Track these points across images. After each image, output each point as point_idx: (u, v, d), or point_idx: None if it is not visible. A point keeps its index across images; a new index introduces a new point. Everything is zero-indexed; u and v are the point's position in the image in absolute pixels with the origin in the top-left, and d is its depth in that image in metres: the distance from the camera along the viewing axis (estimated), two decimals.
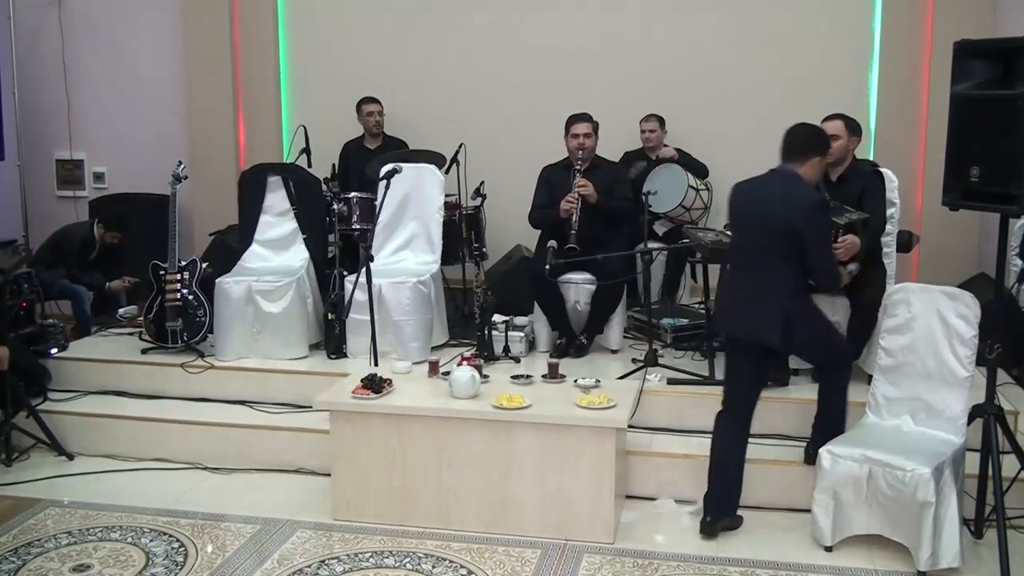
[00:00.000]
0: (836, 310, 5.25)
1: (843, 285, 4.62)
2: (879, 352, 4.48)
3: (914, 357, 4.34)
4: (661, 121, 7.12)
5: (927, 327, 4.30)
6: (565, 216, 5.79)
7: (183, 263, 5.95)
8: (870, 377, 4.65)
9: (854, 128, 5.29)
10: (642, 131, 7.11)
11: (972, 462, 4.19)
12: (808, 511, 4.31)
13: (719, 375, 5.30)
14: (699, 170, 7.05)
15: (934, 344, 4.28)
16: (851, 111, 5.50)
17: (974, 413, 4.13)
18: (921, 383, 4.32)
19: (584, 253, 5.61)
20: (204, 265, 6.05)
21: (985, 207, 4.04)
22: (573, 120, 5.94)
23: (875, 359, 4.54)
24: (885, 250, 5.36)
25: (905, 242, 6.22)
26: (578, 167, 5.87)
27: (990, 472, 4.03)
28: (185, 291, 5.89)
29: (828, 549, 4.18)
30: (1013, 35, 4.07)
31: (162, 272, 5.90)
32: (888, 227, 5.37)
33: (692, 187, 6.79)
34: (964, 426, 4.18)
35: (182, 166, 6.11)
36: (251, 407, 5.55)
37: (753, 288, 4.29)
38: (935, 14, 7.03)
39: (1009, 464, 4.18)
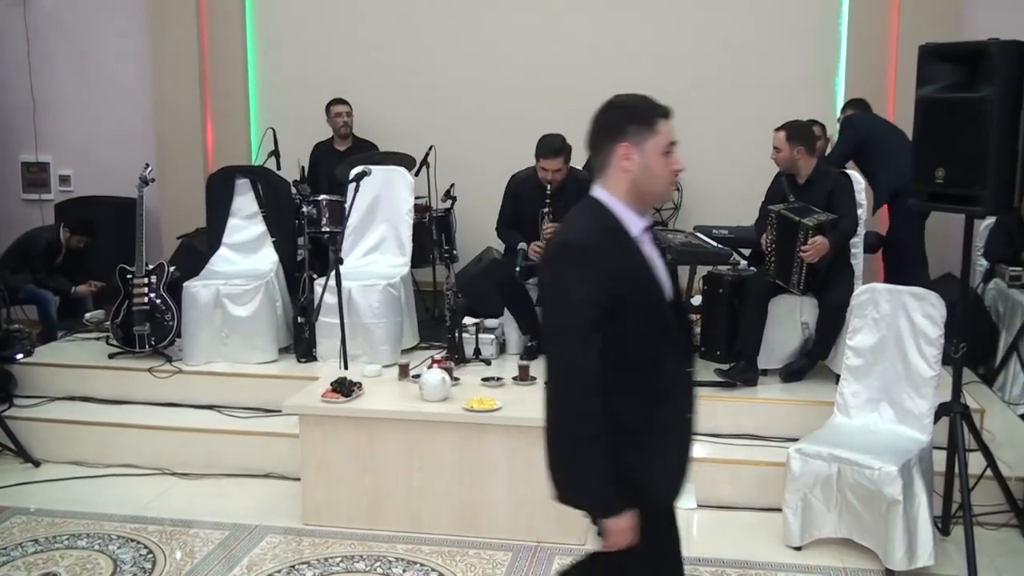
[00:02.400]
0: (804, 310, 5.29)
1: None
2: (847, 352, 4.51)
3: (881, 357, 4.38)
4: None
5: (894, 327, 4.34)
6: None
7: (150, 267, 5.90)
8: (838, 377, 4.68)
9: (796, 137, 5.31)
10: None
11: (939, 460, 4.23)
12: (778, 510, 4.33)
13: None
14: None
15: (901, 344, 4.31)
16: (818, 113, 5.57)
17: (940, 411, 4.18)
18: (888, 382, 4.36)
19: None
20: (172, 269, 6.00)
21: (950, 208, 4.08)
22: (543, 154, 5.61)
23: (843, 359, 4.57)
24: (853, 251, 5.40)
25: (872, 243, 6.29)
26: (548, 209, 5.67)
27: (957, 470, 4.07)
28: (152, 295, 5.84)
29: (797, 549, 4.21)
30: (979, 36, 4.12)
31: (129, 276, 5.84)
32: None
33: None
34: (931, 424, 4.21)
35: (149, 169, 6.05)
36: (220, 412, 5.50)
37: None
38: (901, 16, 7.10)
39: (975, 461, 4.23)
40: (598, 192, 2.51)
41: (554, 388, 2.43)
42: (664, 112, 2.49)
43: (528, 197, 5.83)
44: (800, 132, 5.33)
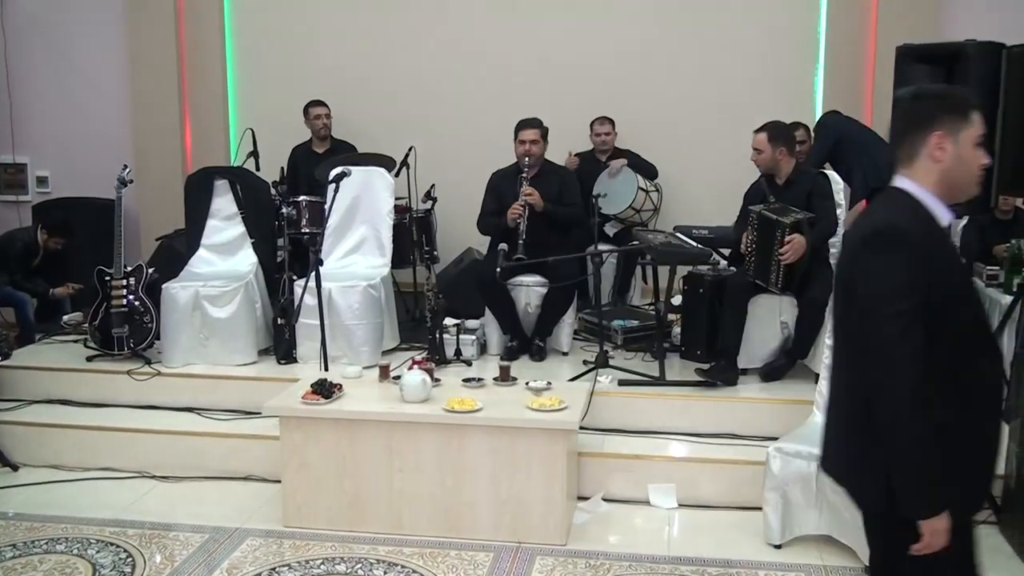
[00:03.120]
0: (784, 310, 5.32)
1: None
2: (826, 351, 4.52)
3: None
4: (613, 124, 7.15)
5: None
6: (513, 225, 5.79)
7: (129, 268, 5.86)
8: (817, 376, 4.70)
9: (777, 138, 5.36)
10: (596, 134, 7.12)
11: None
12: (758, 509, 4.34)
13: (669, 376, 5.35)
14: (649, 171, 7.10)
15: None
16: (797, 114, 5.60)
17: None
18: None
19: (535, 256, 5.62)
20: (150, 270, 5.97)
21: None
22: (521, 126, 5.94)
23: (822, 358, 4.59)
24: (832, 251, 5.43)
25: None
26: (525, 174, 5.87)
27: None
28: (131, 297, 5.81)
29: (777, 547, 4.23)
30: (956, 37, 4.15)
31: (107, 278, 5.81)
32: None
33: (642, 189, 6.84)
34: None
35: (127, 170, 6.02)
36: (199, 414, 5.48)
37: None
38: (879, 17, 7.14)
39: None
40: (903, 183, 2.40)
41: (879, 384, 2.28)
42: (975, 103, 2.40)
43: (509, 188, 5.98)
44: (781, 133, 5.37)
